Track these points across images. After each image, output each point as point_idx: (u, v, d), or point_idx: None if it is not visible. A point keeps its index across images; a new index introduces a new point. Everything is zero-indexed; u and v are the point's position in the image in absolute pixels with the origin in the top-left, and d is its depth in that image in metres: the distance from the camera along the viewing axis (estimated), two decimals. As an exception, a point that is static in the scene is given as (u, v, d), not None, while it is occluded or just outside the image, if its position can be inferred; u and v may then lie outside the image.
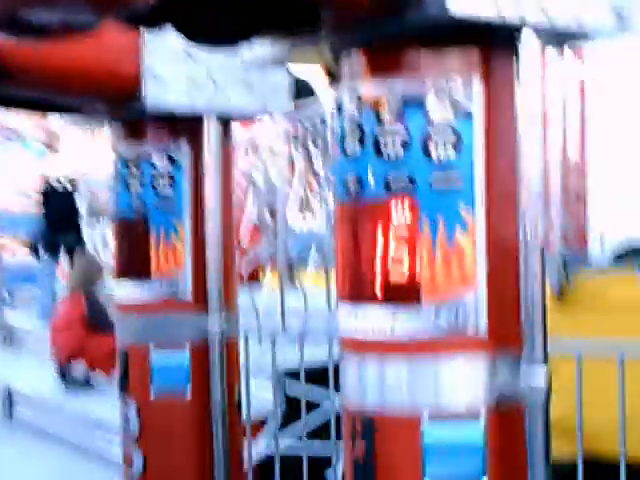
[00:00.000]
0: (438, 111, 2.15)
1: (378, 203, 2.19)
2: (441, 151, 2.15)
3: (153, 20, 1.96)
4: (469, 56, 2.18)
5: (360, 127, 2.21)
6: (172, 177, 3.38)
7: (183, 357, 3.44)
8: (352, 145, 2.23)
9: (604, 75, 5.01)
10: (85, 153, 9.63)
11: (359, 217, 2.23)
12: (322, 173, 7.03)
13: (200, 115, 3.33)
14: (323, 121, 6.97)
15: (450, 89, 2.15)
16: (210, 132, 3.35)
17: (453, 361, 2.17)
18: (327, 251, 5.82)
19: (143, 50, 3.16)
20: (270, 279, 6.15)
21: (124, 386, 3.52)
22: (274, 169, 6.85)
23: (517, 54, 2.18)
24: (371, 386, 2.23)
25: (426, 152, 2.15)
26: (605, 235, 4.93)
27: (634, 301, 5.01)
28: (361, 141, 2.21)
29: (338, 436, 3.96)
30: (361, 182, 2.21)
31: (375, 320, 2.21)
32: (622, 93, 4.91)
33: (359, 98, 2.22)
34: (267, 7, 2.04)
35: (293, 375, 4.67)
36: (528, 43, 2.15)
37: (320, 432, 4.42)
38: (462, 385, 2.17)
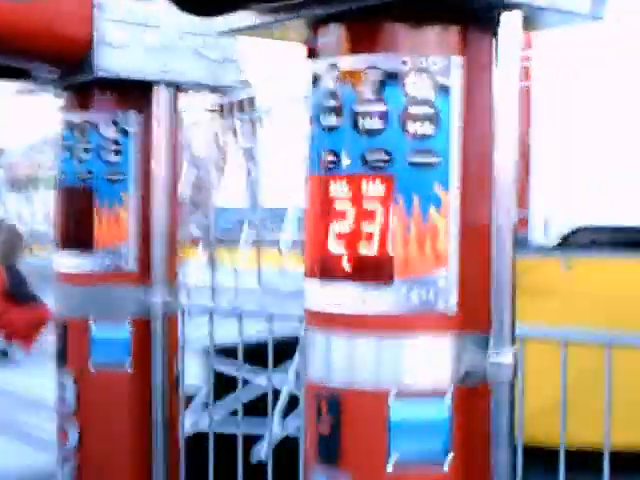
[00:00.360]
0: (417, 88, 2.15)
1: (354, 177, 2.17)
2: (419, 127, 2.14)
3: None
4: (449, 34, 2.18)
5: (338, 101, 2.19)
6: (119, 145, 3.30)
7: (124, 331, 3.37)
8: (329, 119, 2.21)
9: (550, 60, 5.08)
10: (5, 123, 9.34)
11: (333, 191, 2.21)
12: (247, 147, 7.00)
13: (151, 83, 3.25)
14: (250, 97, 6.93)
15: (429, 67, 2.15)
16: (160, 101, 3.27)
17: (422, 338, 2.18)
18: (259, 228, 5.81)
19: (95, 15, 3.07)
20: (199, 256, 6.10)
21: (62, 359, 3.43)
22: (199, 143, 6.76)
23: (496, 34, 2.19)
24: (338, 362, 2.22)
25: (404, 128, 2.14)
26: (550, 219, 5.02)
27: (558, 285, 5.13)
28: (338, 115, 2.19)
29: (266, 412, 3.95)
30: (337, 156, 2.19)
31: (344, 296, 2.19)
32: (567, 79, 4.99)
33: (338, 72, 2.19)
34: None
35: (223, 352, 4.64)
36: (509, 24, 2.16)
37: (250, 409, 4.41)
38: (430, 362, 2.17)
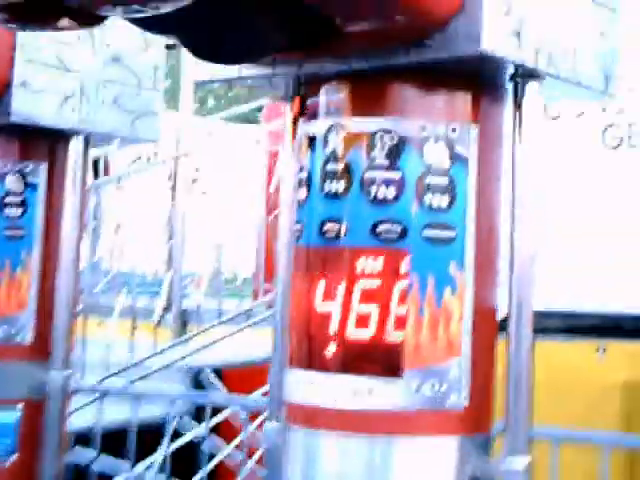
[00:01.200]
0: (435, 156, 1.92)
1: (361, 250, 1.90)
2: (435, 199, 1.92)
3: (161, 27, 1.62)
4: (465, 101, 1.98)
5: (344, 166, 1.93)
6: (24, 200, 2.88)
7: (12, 416, 2.90)
8: (334, 185, 1.94)
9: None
10: None
11: (336, 266, 1.93)
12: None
13: (66, 133, 2.88)
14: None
15: (448, 134, 1.94)
16: (74, 152, 2.90)
17: (431, 439, 1.91)
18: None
19: (15, 56, 2.69)
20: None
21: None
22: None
23: (517, 103, 2.00)
24: (328, 469, 1.92)
25: (420, 199, 1.90)
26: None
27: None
28: (346, 182, 1.93)
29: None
30: (339, 225, 1.93)
31: (338, 389, 1.90)
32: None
33: (344, 134, 1.94)
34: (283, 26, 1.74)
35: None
36: (533, 95, 1.98)
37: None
38: (442, 468, 1.91)
